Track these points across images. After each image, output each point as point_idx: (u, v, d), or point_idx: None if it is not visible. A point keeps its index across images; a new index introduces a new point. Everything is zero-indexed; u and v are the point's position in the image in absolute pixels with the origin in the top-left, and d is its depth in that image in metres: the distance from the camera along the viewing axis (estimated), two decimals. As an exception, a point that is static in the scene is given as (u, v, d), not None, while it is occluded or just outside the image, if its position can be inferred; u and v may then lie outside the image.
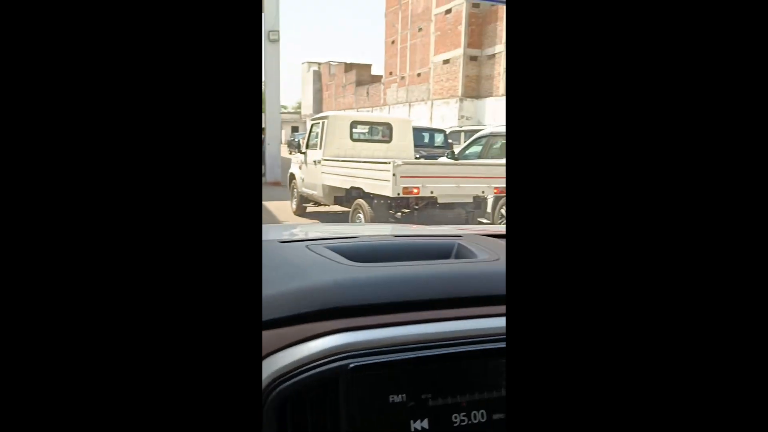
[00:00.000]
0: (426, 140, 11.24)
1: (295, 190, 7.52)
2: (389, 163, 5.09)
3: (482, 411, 0.52)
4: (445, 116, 24.88)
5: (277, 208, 7.91)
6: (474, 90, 24.95)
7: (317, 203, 7.16)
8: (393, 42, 32.28)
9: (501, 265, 0.73)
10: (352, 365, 0.48)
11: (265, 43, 10.94)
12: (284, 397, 0.46)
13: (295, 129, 38.67)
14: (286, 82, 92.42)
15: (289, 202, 7.97)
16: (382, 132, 7.31)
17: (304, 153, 7.15)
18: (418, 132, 10.54)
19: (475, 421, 0.51)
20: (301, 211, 7.52)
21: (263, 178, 10.85)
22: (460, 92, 24.86)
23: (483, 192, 5.50)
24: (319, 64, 48.27)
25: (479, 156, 7.31)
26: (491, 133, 7.58)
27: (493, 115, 22.06)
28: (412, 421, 0.49)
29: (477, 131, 9.31)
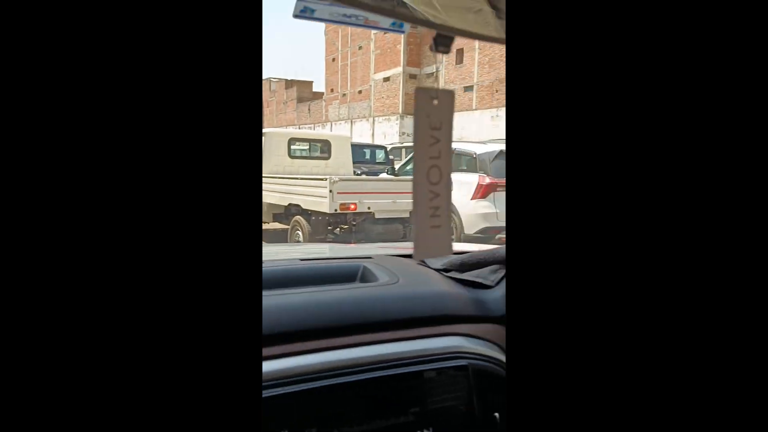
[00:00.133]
0: (367, 156, 11.30)
1: (233, 207, 7.35)
2: (326, 179, 5.10)
3: None
4: (386, 133, 25.14)
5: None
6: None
7: (256, 221, 7.03)
8: (333, 59, 32.40)
9: (399, 288, 0.75)
10: None
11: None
12: None
13: (235, 146, 37.63)
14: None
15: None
16: (320, 149, 7.30)
17: (242, 170, 7.01)
18: (359, 148, 10.61)
19: None
20: (239, 229, 7.34)
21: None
22: (400, 109, 25.23)
23: None
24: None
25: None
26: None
27: (433, 131, 22.40)
28: None
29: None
